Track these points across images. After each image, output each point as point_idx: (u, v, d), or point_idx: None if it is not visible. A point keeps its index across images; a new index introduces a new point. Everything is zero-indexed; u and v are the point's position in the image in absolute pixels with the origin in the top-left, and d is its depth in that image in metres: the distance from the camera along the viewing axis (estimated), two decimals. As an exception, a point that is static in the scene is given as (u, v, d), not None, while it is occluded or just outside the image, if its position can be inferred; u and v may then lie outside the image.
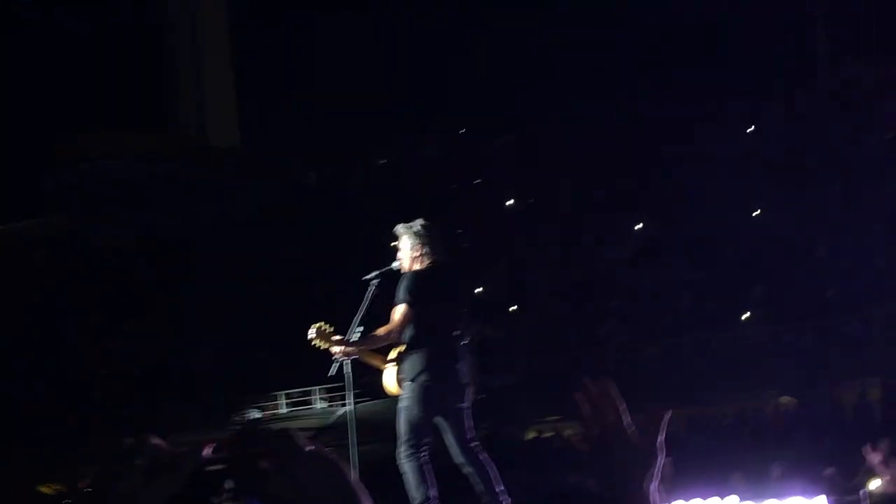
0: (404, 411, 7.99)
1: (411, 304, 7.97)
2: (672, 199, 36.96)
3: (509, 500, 7.95)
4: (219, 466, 1.96)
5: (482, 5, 51.50)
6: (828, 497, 15.19)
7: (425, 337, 8.02)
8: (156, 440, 2.01)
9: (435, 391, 7.94)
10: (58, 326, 39.18)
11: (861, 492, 15.69)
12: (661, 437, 2.24)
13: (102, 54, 54.12)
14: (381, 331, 8.16)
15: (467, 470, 8.00)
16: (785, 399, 29.77)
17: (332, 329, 8.10)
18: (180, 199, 47.20)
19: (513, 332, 33.58)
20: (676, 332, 31.56)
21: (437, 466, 8.06)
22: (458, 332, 8.24)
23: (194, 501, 1.98)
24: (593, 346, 32.22)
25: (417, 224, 8.29)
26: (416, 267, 8.19)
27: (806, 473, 18.83)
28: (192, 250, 43.28)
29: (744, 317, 31.41)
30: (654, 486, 2.21)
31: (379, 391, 8.54)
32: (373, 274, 8.39)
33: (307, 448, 1.93)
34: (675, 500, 13.80)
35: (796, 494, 14.86)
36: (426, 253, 8.20)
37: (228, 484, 1.98)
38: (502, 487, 7.97)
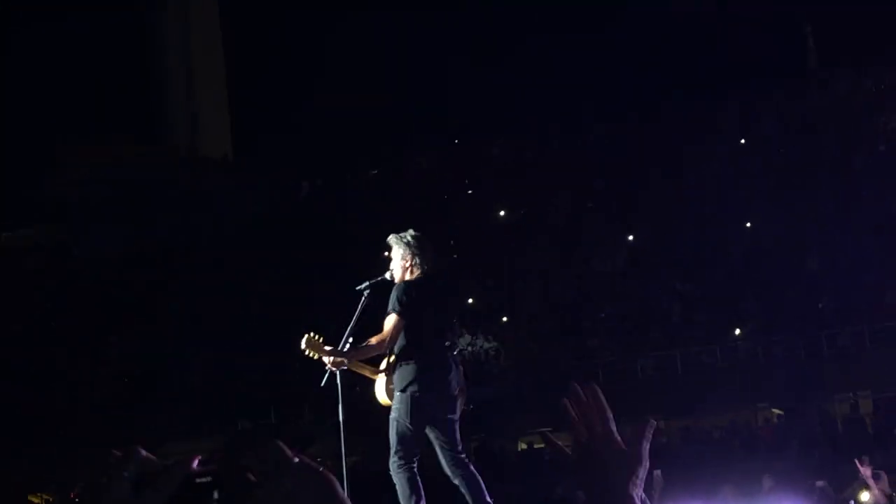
0: (395, 422, 7.99)
1: (402, 315, 7.97)
2: (664, 212, 37.01)
3: (499, 510, 7.94)
4: (206, 479, 1.94)
5: (475, 19, 51.59)
6: (819, 509, 15.19)
7: (416, 347, 8.02)
8: (143, 452, 1.99)
9: (425, 402, 7.93)
10: (49, 336, 39.13)
11: (851, 503, 15.69)
12: (646, 444, 2.24)
13: (95, 65, 54.16)
14: (373, 340, 8.16)
15: (457, 480, 8.00)
16: (775, 411, 29.85)
17: (322, 339, 8.09)
18: (172, 209, 47.18)
19: (504, 343, 33.57)
20: (668, 345, 31.58)
21: (428, 476, 8.04)
22: (449, 343, 8.23)
23: (182, 513, 1.97)
24: (584, 357, 32.24)
25: (408, 234, 8.29)
26: (408, 277, 8.19)
27: (797, 485, 18.84)
28: (184, 259, 43.24)
29: (737, 332, 31.43)
30: (639, 493, 2.21)
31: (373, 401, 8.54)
32: (364, 284, 8.39)
33: (295, 459, 1.92)
34: (667, 512, 13.79)
35: (787, 506, 14.85)
36: (417, 263, 8.20)
37: (216, 495, 1.96)
38: (490, 500, 7.96)
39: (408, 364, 8.01)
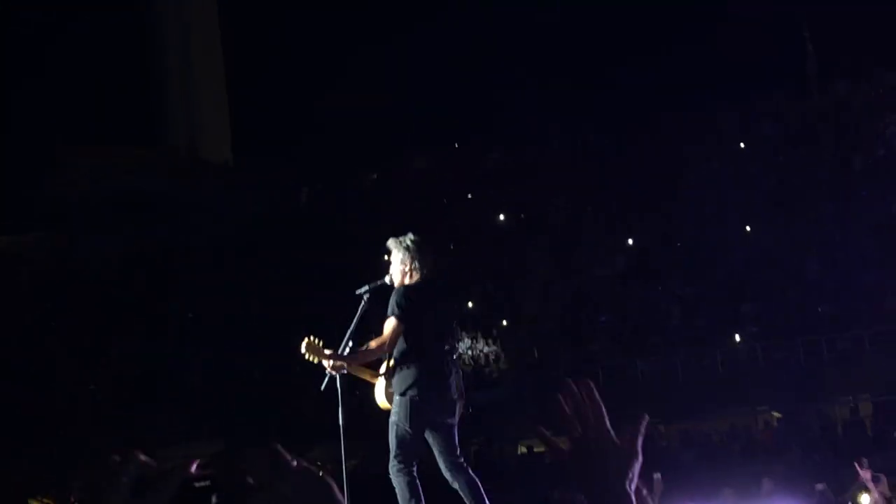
0: (395, 426, 8.00)
1: (401, 319, 7.97)
2: (664, 217, 37.00)
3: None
4: (205, 483, 1.95)
5: (475, 21, 51.59)
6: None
7: (415, 351, 8.02)
8: (142, 457, 2.00)
9: (425, 406, 7.94)
10: (49, 336, 39.14)
11: (851, 507, 15.69)
12: (640, 439, 2.24)
13: (94, 70, 54.13)
14: (373, 344, 8.17)
15: (456, 485, 8.00)
16: (775, 414, 29.84)
17: (322, 343, 8.10)
18: (171, 215, 47.15)
19: (504, 347, 33.55)
20: (668, 349, 31.56)
21: (427, 481, 8.05)
22: (448, 347, 8.23)
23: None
24: (584, 361, 32.21)
25: (408, 239, 8.30)
26: (407, 281, 8.19)
27: (797, 488, 18.84)
28: (183, 266, 43.23)
29: (737, 336, 31.42)
30: (634, 487, 2.22)
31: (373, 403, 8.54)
32: (364, 288, 8.39)
33: (293, 463, 1.92)
34: (666, 516, 13.78)
35: (787, 510, 14.85)
36: (417, 268, 8.20)
37: (214, 499, 1.97)
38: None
39: (407, 368, 8.01)
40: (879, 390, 29.15)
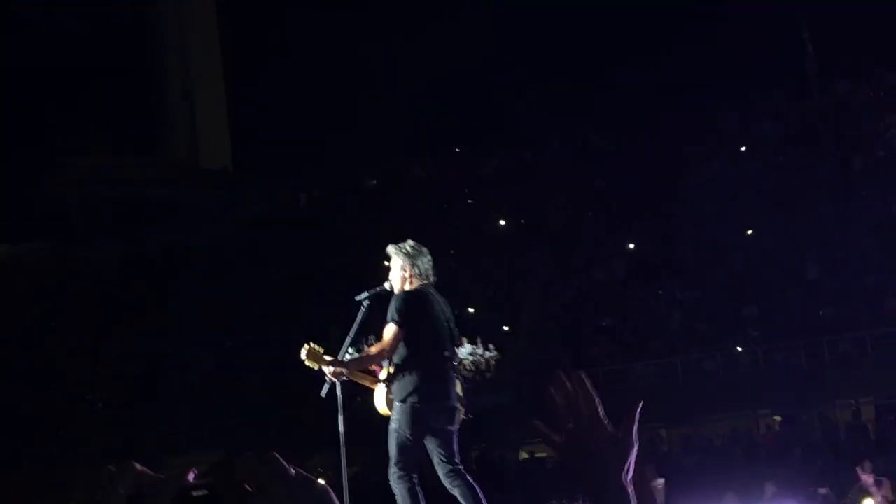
0: (395, 433, 7.98)
1: (401, 325, 7.96)
2: (664, 220, 36.97)
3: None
4: (202, 492, 1.93)
5: (471, 27, 51.62)
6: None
7: (415, 358, 8.00)
8: (138, 466, 1.98)
9: (425, 412, 7.92)
10: (49, 336, 39.19)
11: (854, 510, 15.68)
12: (634, 428, 2.23)
13: (93, 77, 54.14)
14: (372, 350, 8.17)
15: (455, 491, 7.98)
16: (776, 418, 29.81)
17: (322, 350, 8.09)
18: (171, 221, 47.21)
19: (504, 353, 33.51)
20: (669, 353, 31.51)
21: (428, 487, 8.02)
22: (448, 353, 8.21)
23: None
24: (585, 365, 32.16)
25: (407, 245, 8.29)
26: (407, 287, 8.18)
27: (799, 492, 18.82)
28: (183, 272, 43.26)
29: (738, 341, 31.36)
30: (631, 476, 2.20)
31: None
32: (364, 295, 8.38)
33: (291, 471, 1.91)
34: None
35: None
36: (416, 274, 8.19)
37: (211, 508, 1.95)
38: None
39: (408, 374, 7.99)
40: (882, 393, 29.09)
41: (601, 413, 2.22)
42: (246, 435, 31.23)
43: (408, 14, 52.97)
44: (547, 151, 44.28)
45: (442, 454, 7.96)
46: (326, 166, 49.77)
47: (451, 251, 37.77)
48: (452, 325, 8.34)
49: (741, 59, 44.46)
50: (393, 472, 7.96)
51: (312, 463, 25.36)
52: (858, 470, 15.96)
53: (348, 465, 8.50)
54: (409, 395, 7.93)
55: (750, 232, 35.17)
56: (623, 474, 2.18)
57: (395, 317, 7.98)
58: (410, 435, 7.90)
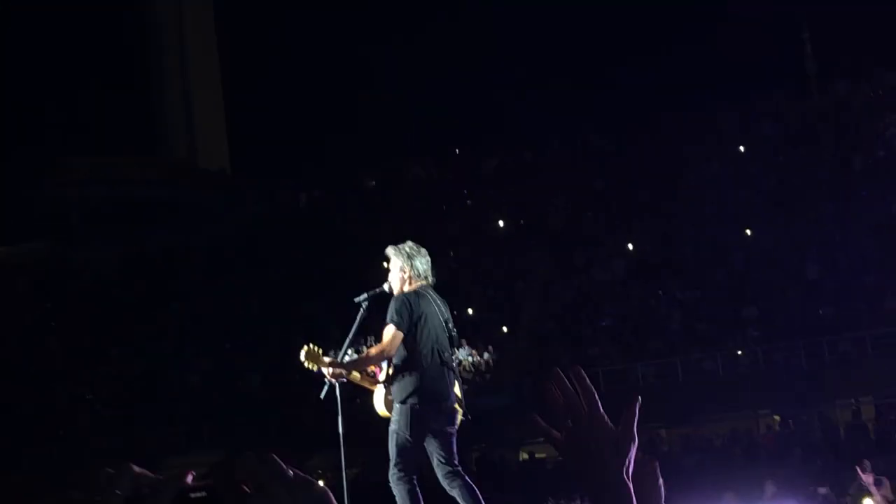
0: (394, 434, 7.96)
1: (400, 326, 7.94)
2: (664, 220, 36.97)
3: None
4: (201, 494, 1.92)
5: (471, 27, 51.61)
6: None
7: (414, 359, 7.99)
8: (136, 468, 1.97)
9: (424, 413, 7.90)
10: (45, 348, 39.21)
11: (854, 510, 15.68)
12: (635, 422, 2.22)
13: (91, 79, 54.16)
14: (372, 352, 8.16)
15: (454, 492, 7.96)
16: (776, 418, 29.79)
17: (321, 350, 8.08)
18: (171, 222, 47.22)
19: (504, 353, 33.51)
20: (669, 353, 31.51)
21: (428, 488, 8.02)
22: (448, 354, 8.20)
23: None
24: (585, 365, 32.11)
25: (406, 246, 8.27)
26: (406, 289, 8.17)
27: (799, 492, 18.83)
28: (183, 272, 43.28)
29: (738, 342, 31.36)
30: (632, 472, 2.19)
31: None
32: (363, 296, 8.37)
33: (290, 472, 1.90)
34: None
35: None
36: (415, 275, 8.18)
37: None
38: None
39: (407, 376, 7.98)
40: (882, 392, 29.10)
41: (600, 407, 2.21)
42: (246, 435, 31.21)
43: (408, 14, 53.02)
44: (547, 151, 44.28)
45: (441, 455, 7.95)
46: (326, 166, 49.76)
47: (451, 251, 37.77)
48: (451, 326, 8.33)
49: (741, 59, 44.51)
50: (393, 474, 7.94)
51: (312, 463, 25.37)
52: (858, 469, 15.95)
53: (348, 466, 8.49)
54: (409, 396, 7.92)
55: (750, 232, 35.15)
56: (623, 470, 2.17)
57: (395, 318, 7.96)
58: (410, 436, 7.89)
